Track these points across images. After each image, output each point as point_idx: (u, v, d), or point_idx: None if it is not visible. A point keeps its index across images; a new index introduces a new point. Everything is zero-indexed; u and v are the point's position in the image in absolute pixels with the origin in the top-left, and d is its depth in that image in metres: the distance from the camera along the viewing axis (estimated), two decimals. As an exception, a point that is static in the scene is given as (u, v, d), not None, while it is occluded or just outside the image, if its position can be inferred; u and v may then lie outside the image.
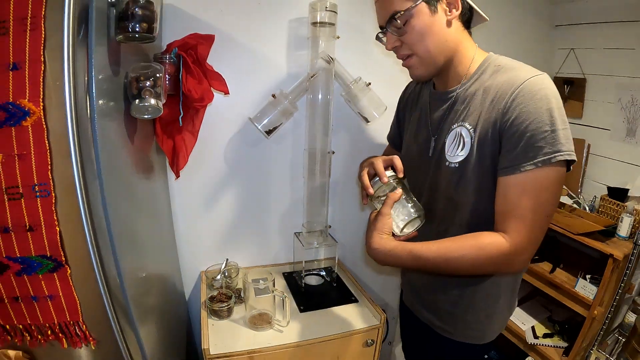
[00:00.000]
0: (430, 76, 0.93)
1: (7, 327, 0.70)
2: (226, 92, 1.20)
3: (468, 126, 0.86)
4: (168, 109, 1.07)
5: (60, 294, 0.68)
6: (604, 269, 1.40)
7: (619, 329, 1.57)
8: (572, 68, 1.71)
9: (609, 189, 1.54)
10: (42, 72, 0.58)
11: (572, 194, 1.63)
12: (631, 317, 1.53)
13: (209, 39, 1.12)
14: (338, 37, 1.29)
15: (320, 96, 1.32)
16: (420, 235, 0.96)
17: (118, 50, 0.76)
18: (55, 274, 0.66)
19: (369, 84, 1.33)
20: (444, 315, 1.05)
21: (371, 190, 0.92)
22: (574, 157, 0.76)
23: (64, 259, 0.65)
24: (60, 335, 0.71)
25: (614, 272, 1.42)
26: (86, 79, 0.64)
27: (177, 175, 1.22)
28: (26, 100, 0.58)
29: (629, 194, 1.51)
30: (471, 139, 0.85)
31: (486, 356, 1.85)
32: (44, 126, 0.59)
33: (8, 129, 0.59)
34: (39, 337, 0.71)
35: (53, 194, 0.62)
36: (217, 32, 1.21)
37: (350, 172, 1.54)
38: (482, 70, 0.87)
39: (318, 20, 1.25)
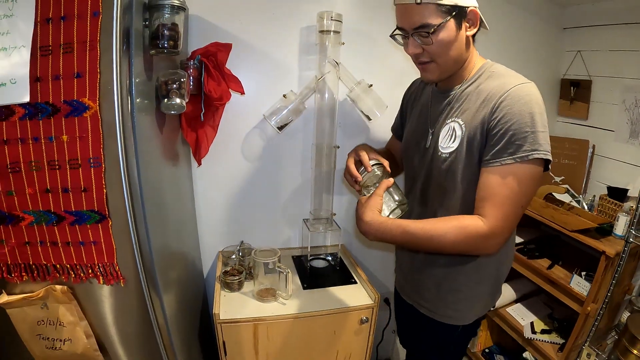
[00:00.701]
0: (440, 80, 1.07)
1: (58, 266, 0.99)
2: (242, 93, 1.47)
3: (460, 122, 1.01)
4: (192, 106, 1.34)
5: (102, 241, 0.95)
6: (599, 267, 1.54)
7: (615, 329, 1.69)
8: (578, 70, 1.83)
9: (609, 188, 1.66)
10: (98, 79, 0.86)
11: (574, 193, 1.76)
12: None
13: (227, 47, 1.38)
14: (343, 44, 1.51)
15: (327, 96, 1.56)
16: (413, 217, 1.15)
17: (151, 60, 1.03)
18: (99, 225, 0.94)
19: (371, 85, 1.55)
20: (427, 295, 1.22)
21: (360, 178, 1.12)
22: (550, 157, 0.91)
23: (107, 213, 0.92)
24: (98, 273, 0.98)
25: (607, 269, 1.54)
26: (128, 83, 0.91)
27: (199, 163, 1.51)
28: (86, 98, 0.86)
29: (628, 194, 1.63)
30: (462, 132, 1.00)
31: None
32: (99, 117, 0.87)
33: (73, 118, 0.87)
34: (82, 274, 0.99)
35: (103, 165, 0.89)
36: (236, 39, 1.48)
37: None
38: (479, 74, 1.03)
39: (325, 29, 1.47)
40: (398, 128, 1.40)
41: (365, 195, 1.10)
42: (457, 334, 1.22)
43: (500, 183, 0.92)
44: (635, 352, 1.46)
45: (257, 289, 1.50)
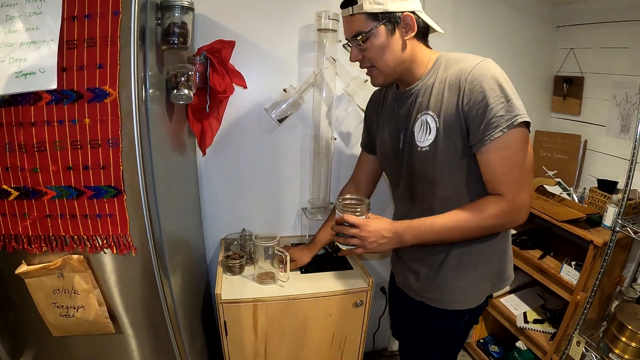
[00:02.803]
0: (389, 83, 1.20)
1: (75, 237, 1.15)
2: (244, 87, 1.64)
3: (432, 113, 1.08)
4: (198, 98, 1.51)
5: (117, 214, 1.11)
6: (590, 257, 1.66)
7: (607, 319, 1.81)
8: (571, 67, 1.97)
9: (599, 181, 1.79)
10: (117, 70, 1.03)
11: (566, 186, 1.89)
12: (619, 307, 1.77)
13: (231, 44, 1.55)
14: (340, 41, 1.67)
15: (324, 91, 1.72)
16: (407, 215, 1.21)
17: (162, 55, 1.20)
18: (115, 199, 1.10)
19: (366, 80, 1.70)
20: (424, 280, 1.25)
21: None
22: (528, 119, 0.98)
23: (123, 188, 1.09)
24: (112, 244, 1.14)
25: (596, 258, 1.67)
26: (143, 75, 1.08)
27: (204, 153, 1.67)
28: (107, 86, 1.03)
29: (618, 187, 1.76)
30: (436, 123, 1.07)
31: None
32: (118, 103, 1.04)
33: (95, 103, 1.04)
34: (97, 245, 1.15)
35: (120, 145, 1.05)
36: (240, 37, 1.64)
37: (350, 156, 1.94)
38: (436, 66, 1.11)
39: (323, 27, 1.63)
40: (367, 143, 1.48)
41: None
42: (451, 319, 1.26)
43: (499, 158, 1.00)
44: (623, 339, 1.58)
45: (257, 273, 1.65)
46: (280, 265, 1.63)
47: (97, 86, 1.04)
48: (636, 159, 1.46)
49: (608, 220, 1.69)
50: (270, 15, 1.69)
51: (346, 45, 1.17)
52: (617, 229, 1.59)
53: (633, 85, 1.75)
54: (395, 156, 1.24)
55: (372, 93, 1.45)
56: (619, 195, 1.72)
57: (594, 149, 1.92)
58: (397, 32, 1.06)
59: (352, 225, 1.08)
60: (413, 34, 1.08)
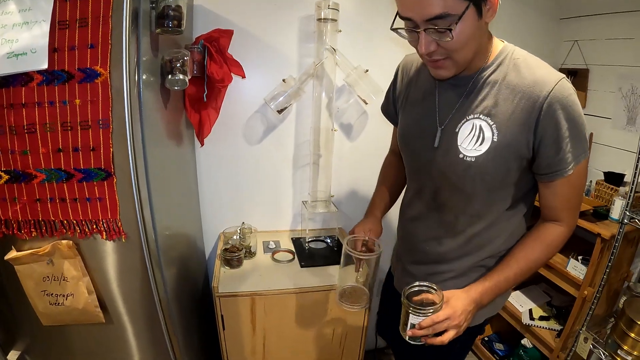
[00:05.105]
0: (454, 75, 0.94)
1: (65, 222, 1.10)
2: (243, 76, 1.60)
3: (490, 121, 0.90)
4: (195, 88, 1.47)
5: (107, 197, 1.07)
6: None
7: (614, 315, 1.74)
8: (576, 59, 1.92)
9: (605, 173, 1.73)
10: (109, 49, 0.99)
11: (571, 180, 1.83)
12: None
13: (228, 33, 1.51)
14: (340, 31, 1.64)
15: (324, 81, 1.68)
16: (427, 224, 1.09)
17: (157, 39, 1.17)
18: (105, 182, 1.06)
19: (367, 70, 1.66)
20: None
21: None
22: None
23: (113, 170, 1.05)
24: (102, 229, 1.10)
25: (603, 252, 1.61)
26: (136, 57, 1.04)
27: (202, 143, 1.64)
28: (98, 66, 0.99)
29: (625, 179, 1.70)
30: (493, 135, 0.89)
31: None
32: (109, 83, 1.00)
33: (85, 84, 1.01)
34: (87, 230, 1.11)
35: (111, 127, 1.02)
36: (239, 28, 1.61)
37: (351, 148, 1.90)
38: (500, 60, 0.91)
39: (322, 17, 1.59)
40: (386, 108, 1.27)
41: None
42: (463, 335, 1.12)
43: (570, 189, 0.93)
44: (632, 335, 1.51)
45: (341, 290, 1.25)
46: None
47: (88, 66, 1.00)
48: (643, 150, 1.41)
49: (615, 213, 1.64)
50: (270, 5, 1.66)
51: (405, 30, 0.87)
52: (625, 221, 1.53)
53: (639, 77, 1.70)
54: (423, 152, 1.04)
55: (405, 56, 1.21)
56: (626, 188, 1.67)
57: (600, 142, 1.86)
58: (484, 15, 0.82)
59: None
60: (494, 15, 0.85)
